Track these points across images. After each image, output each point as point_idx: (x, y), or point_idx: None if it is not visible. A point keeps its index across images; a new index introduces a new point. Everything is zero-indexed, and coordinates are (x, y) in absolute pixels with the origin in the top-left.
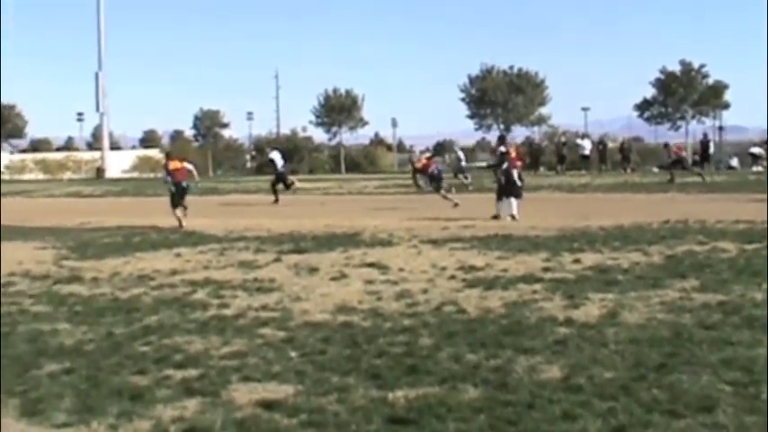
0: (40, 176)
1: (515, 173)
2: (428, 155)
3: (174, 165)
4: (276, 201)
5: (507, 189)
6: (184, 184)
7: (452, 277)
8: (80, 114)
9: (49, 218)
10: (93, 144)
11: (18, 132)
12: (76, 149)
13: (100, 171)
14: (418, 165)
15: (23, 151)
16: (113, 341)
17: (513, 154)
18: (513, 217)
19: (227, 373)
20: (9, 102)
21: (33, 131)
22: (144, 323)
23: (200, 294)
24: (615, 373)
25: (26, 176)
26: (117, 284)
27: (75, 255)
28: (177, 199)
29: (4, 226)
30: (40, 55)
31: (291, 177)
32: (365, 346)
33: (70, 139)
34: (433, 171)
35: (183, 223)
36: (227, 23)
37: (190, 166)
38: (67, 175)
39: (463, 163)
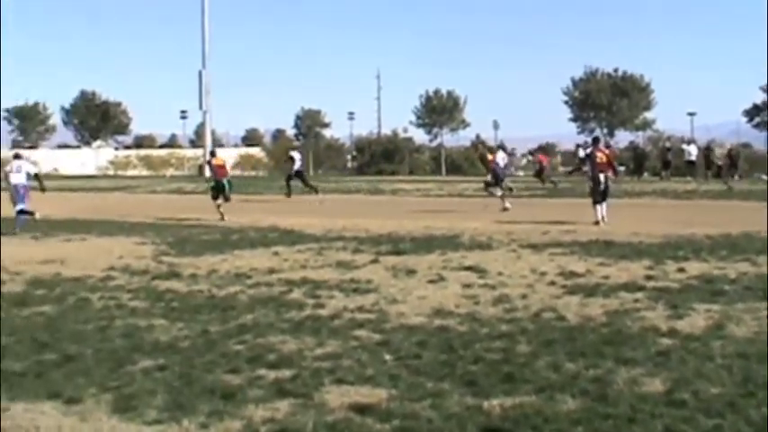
0: (144, 173)
1: (602, 177)
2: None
3: (217, 162)
4: (288, 195)
5: (596, 192)
6: (224, 181)
7: (552, 283)
8: (183, 112)
9: (151, 213)
10: (196, 142)
11: (123, 129)
12: (179, 147)
13: (202, 168)
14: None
15: (128, 148)
16: (208, 339)
17: (604, 158)
18: (598, 222)
19: (320, 374)
20: (115, 99)
21: (138, 128)
22: (239, 321)
23: (296, 294)
24: (722, 388)
25: (129, 172)
26: (214, 282)
27: (174, 251)
28: (216, 193)
29: (107, 221)
30: (146, 54)
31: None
32: (461, 351)
33: (174, 136)
34: (495, 169)
35: (225, 217)
36: (331, 24)
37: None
38: (170, 171)
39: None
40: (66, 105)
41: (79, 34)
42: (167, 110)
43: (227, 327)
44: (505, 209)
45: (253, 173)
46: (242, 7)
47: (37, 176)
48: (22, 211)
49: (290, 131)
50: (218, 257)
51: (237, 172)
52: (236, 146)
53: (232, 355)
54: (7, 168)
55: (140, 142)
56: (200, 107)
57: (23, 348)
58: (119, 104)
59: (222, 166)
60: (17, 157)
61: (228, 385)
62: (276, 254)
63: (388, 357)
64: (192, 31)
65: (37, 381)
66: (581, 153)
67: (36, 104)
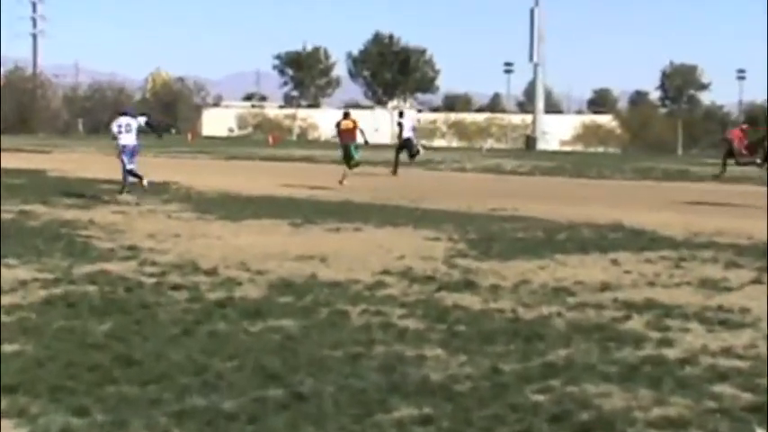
0: (454, 143)
1: None
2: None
3: (345, 125)
4: (395, 172)
5: None
6: (353, 145)
7: None
8: (509, 65)
9: (452, 199)
10: (525, 105)
11: (428, 85)
12: (503, 111)
13: (530, 140)
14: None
15: (435, 110)
16: (498, 381)
17: None
18: None
19: None
20: (418, 45)
21: (448, 85)
22: (546, 358)
23: (634, 323)
24: None
25: (435, 143)
26: (522, 298)
27: (475, 251)
28: (346, 159)
29: (392, 206)
30: None
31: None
32: None
33: (496, 96)
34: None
35: (345, 182)
36: None
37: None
38: (488, 143)
39: None
40: (355, 52)
41: None
42: (487, 62)
43: (527, 365)
44: None
45: (600, 148)
46: None
47: (149, 124)
48: (131, 172)
49: (654, 94)
50: (534, 263)
51: (579, 147)
52: (578, 112)
53: (527, 408)
54: (114, 129)
55: (451, 104)
56: (531, 58)
57: (242, 379)
58: (423, 52)
59: (350, 130)
60: (123, 114)
61: None
62: (615, 263)
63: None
64: None
65: (249, 426)
66: None
67: (316, 50)
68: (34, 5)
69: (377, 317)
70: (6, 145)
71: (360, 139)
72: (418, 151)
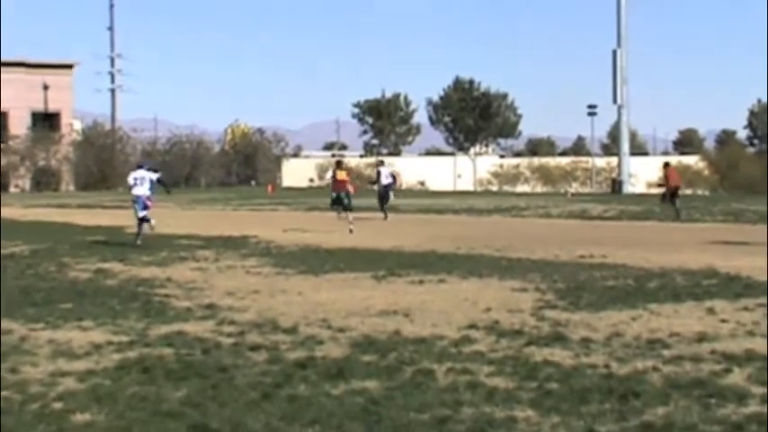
0: (538, 188)
1: None
2: None
3: (339, 175)
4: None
5: None
6: (342, 194)
7: None
8: (592, 108)
9: (539, 247)
10: (610, 148)
11: (510, 130)
12: (587, 154)
13: (616, 183)
14: None
15: (518, 155)
16: None
17: None
18: None
19: None
20: (499, 89)
21: (531, 129)
22: (643, 418)
23: (735, 377)
24: None
25: (519, 188)
26: (615, 352)
27: (564, 302)
28: (332, 204)
29: (476, 256)
30: (539, 32)
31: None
32: None
33: (580, 139)
34: None
35: (351, 227)
36: None
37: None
38: (573, 187)
39: None
40: (435, 98)
41: (451, 3)
42: (571, 104)
43: (624, 426)
44: None
45: (687, 190)
46: None
47: (160, 181)
48: (142, 219)
49: (742, 133)
50: (626, 314)
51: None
52: (665, 153)
53: None
54: (130, 181)
55: (534, 147)
56: (614, 100)
57: None
58: (504, 96)
59: (343, 181)
60: (139, 167)
61: None
62: (711, 311)
63: None
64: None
65: None
66: None
67: (396, 97)
68: (112, 60)
69: (464, 375)
70: (86, 201)
71: (386, 180)
72: (391, 197)
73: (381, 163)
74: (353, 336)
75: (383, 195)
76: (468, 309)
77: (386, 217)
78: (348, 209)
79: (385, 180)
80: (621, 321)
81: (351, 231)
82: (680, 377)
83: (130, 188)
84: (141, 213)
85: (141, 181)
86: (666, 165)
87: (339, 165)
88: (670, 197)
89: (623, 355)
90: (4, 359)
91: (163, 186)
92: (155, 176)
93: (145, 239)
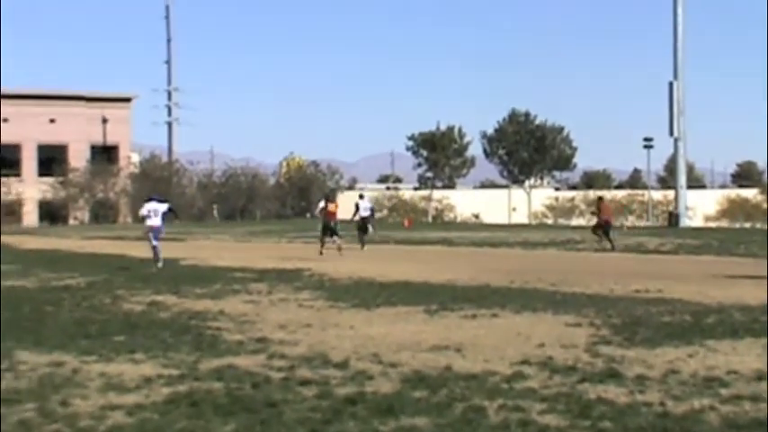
0: (593, 222)
1: None
2: None
3: (330, 207)
4: (362, 247)
5: None
6: (332, 223)
7: None
8: (648, 140)
9: (593, 281)
10: (667, 180)
11: (565, 163)
12: (643, 187)
13: (673, 217)
14: None
15: (573, 188)
16: None
17: None
18: None
19: None
20: (554, 122)
21: (585, 162)
22: None
23: None
24: None
25: (574, 221)
26: (671, 389)
27: (619, 338)
28: (323, 234)
29: (530, 290)
30: (593, 62)
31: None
32: None
33: (636, 172)
34: None
35: (323, 251)
36: None
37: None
38: (630, 220)
39: None
40: (490, 131)
41: (506, 36)
42: (627, 137)
43: None
44: None
45: (746, 224)
46: None
47: (171, 210)
48: (155, 248)
49: None
50: (682, 350)
51: (724, 223)
52: (722, 186)
53: None
54: (144, 212)
55: (589, 180)
56: (671, 133)
57: None
58: (560, 130)
59: (333, 213)
60: (150, 200)
61: None
62: None
63: None
64: (658, 27)
65: None
66: None
67: (450, 130)
68: (169, 94)
69: (516, 413)
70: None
71: (364, 212)
72: (369, 230)
73: (361, 197)
74: (404, 371)
75: (361, 227)
76: (520, 344)
77: (362, 247)
78: (336, 234)
79: (364, 212)
80: (678, 358)
81: (339, 251)
82: (738, 417)
83: (143, 219)
84: (154, 243)
85: (155, 212)
86: (600, 198)
87: (328, 199)
88: (602, 229)
89: (679, 393)
90: (56, 392)
91: (174, 214)
92: (165, 207)
93: (199, 272)
